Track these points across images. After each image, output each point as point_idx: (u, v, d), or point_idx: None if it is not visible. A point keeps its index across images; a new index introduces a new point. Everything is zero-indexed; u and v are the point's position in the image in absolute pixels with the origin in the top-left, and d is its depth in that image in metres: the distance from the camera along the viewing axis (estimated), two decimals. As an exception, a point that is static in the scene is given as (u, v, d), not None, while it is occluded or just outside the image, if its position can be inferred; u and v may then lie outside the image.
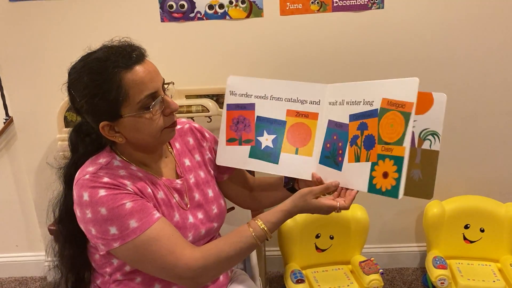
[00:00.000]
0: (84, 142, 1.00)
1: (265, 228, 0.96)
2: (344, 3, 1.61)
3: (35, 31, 1.64)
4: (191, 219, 1.02)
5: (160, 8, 1.62)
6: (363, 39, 1.64)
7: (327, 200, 0.96)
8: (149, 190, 0.96)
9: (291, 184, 1.12)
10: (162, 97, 0.93)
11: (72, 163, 0.99)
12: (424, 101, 0.98)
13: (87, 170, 0.93)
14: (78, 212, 0.92)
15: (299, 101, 1.07)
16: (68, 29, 1.64)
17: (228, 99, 1.14)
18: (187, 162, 1.09)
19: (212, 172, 1.14)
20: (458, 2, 1.59)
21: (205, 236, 1.06)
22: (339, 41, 1.65)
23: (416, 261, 1.97)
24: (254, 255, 1.36)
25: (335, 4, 1.61)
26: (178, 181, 1.03)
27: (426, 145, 0.98)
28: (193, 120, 1.64)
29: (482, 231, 1.74)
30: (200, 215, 1.05)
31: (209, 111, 1.59)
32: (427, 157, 0.97)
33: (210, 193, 1.09)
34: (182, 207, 1.02)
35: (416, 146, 0.98)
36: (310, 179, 1.04)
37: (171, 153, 1.08)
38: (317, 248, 1.76)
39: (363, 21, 1.62)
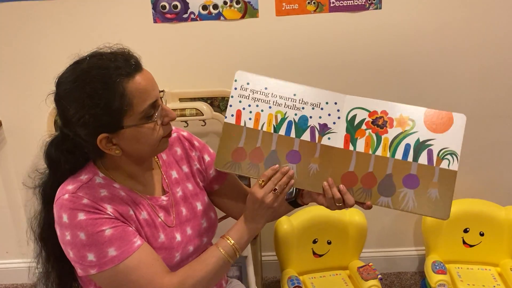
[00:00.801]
0: (67, 160, 0.91)
1: (236, 246, 0.94)
2: (341, 3, 1.57)
3: (25, 33, 1.59)
4: (178, 237, 0.97)
5: (152, 8, 1.58)
6: (361, 40, 1.61)
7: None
8: (131, 212, 0.91)
9: (293, 197, 1.05)
10: (161, 106, 0.89)
11: (52, 182, 0.93)
12: (444, 121, 0.98)
13: (66, 188, 0.88)
14: (58, 231, 0.88)
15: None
16: (58, 31, 1.59)
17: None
18: (174, 174, 1.03)
19: (200, 183, 1.08)
20: (456, 3, 1.56)
21: (194, 253, 1.01)
22: (336, 42, 1.62)
23: (414, 265, 1.94)
24: (250, 263, 1.33)
25: (331, 5, 1.57)
26: (164, 197, 0.99)
27: (444, 165, 0.96)
28: (187, 124, 1.61)
29: (482, 235, 1.71)
30: (189, 231, 1.00)
31: (203, 115, 1.55)
32: (445, 177, 0.96)
33: (199, 206, 1.04)
34: (168, 225, 0.97)
35: (435, 164, 0.97)
36: (321, 192, 0.99)
37: (157, 164, 1.03)
38: (314, 253, 1.72)
39: (361, 21, 1.59)
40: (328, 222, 1.69)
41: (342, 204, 0.97)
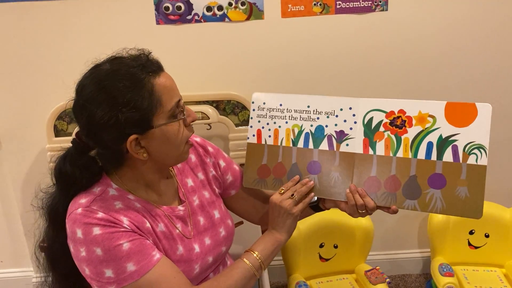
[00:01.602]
0: (83, 176, 0.86)
1: (259, 256, 0.93)
2: (347, 5, 1.55)
3: (22, 36, 1.53)
4: (197, 248, 0.94)
5: (155, 10, 1.54)
6: (367, 42, 1.60)
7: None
8: (148, 224, 0.87)
9: (315, 202, 1.04)
10: (184, 105, 0.87)
11: (64, 201, 0.87)
12: (467, 113, 0.92)
13: (79, 202, 0.84)
14: (71, 248, 0.84)
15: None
16: (57, 32, 1.53)
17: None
18: (189, 182, 1.00)
19: (216, 190, 1.05)
20: (463, 4, 1.56)
21: (213, 263, 0.98)
22: (342, 44, 1.60)
23: (418, 267, 1.94)
24: (266, 277, 1.31)
25: (338, 6, 1.56)
26: (180, 207, 0.95)
27: (472, 160, 0.91)
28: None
29: (487, 236, 1.72)
30: (207, 241, 0.97)
31: (209, 118, 1.51)
32: (474, 173, 0.90)
33: (217, 214, 1.01)
34: (186, 236, 0.94)
35: (461, 161, 0.91)
36: (344, 199, 0.98)
37: (172, 173, 1.00)
38: (321, 257, 1.70)
39: (367, 23, 1.58)
40: (334, 226, 1.67)
41: (365, 210, 0.96)
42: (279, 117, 1.05)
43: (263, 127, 1.07)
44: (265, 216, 1.14)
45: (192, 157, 1.03)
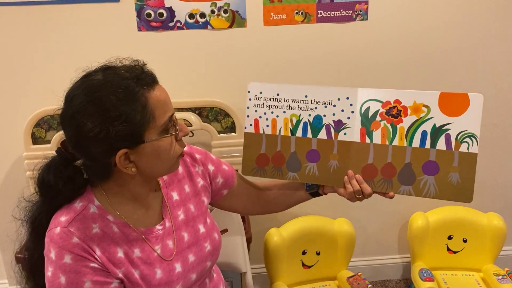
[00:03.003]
0: (67, 188, 0.84)
1: None
2: (328, 14, 1.58)
3: (0, 40, 1.50)
4: (178, 268, 0.91)
5: (137, 16, 1.53)
6: (348, 50, 1.62)
7: None
8: (120, 254, 0.85)
9: (315, 188, 1.08)
10: (177, 120, 0.85)
11: (46, 213, 0.85)
12: (460, 103, 0.97)
13: (59, 220, 0.82)
14: (45, 259, 0.82)
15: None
16: (37, 39, 1.50)
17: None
18: (175, 196, 0.97)
19: (206, 201, 1.03)
20: (441, 14, 1.61)
21: (196, 281, 0.96)
22: (324, 53, 1.62)
23: (399, 273, 1.96)
24: (249, 278, 1.30)
25: (319, 15, 1.58)
26: (158, 226, 0.92)
27: (463, 148, 0.96)
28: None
29: (465, 241, 1.75)
30: (191, 258, 0.94)
31: (192, 126, 1.50)
32: (465, 160, 0.96)
33: (202, 228, 0.98)
34: (166, 258, 0.90)
35: (453, 149, 0.97)
36: (343, 186, 1.02)
37: (158, 184, 0.97)
38: (303, 264, 1.71)
39: (348, 32, 1.60)
40: (317, 232, 1.68)
41: (362, 195, 1.00)
42: (276, 107, 1.07)
43: (260, 117, 1.08)
44: (265, 205, 1.14)
45: (180, 168, 1.00)
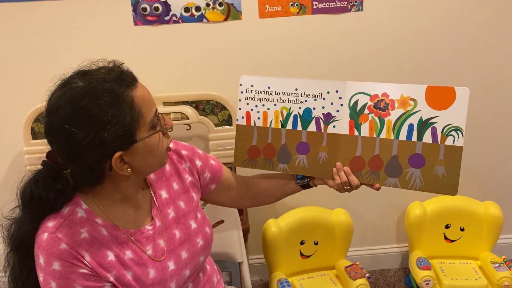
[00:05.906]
0: (58, 201, 0.82)
1: None
2: (323, 5, 1.58)
3: (-4, 36, 1.52)
4: (171, 266, 0.92)
5: (132, 11, 1.54)
6: (343, 42, 1.63)
7: None
8: (111, 257, 0.85)
9: (306, 180, 1.09)
10: (162, 115, 0.87)
11: (33, 228, 0.83)
12: (446, 96, 0.97)
13: (47, 225, 0.81)
14: (36, 264, 0.83)
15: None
16: (33, 34, 1.52)
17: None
18: (164, 194, 0.97)
19: (195, 197, 1.03)
20: (436, 5, 1.60)
21: (190, 276, 0.97)
22: (319, 44, 1.62)
23: (397, 262, 1.98)
24: (246, 269, 1.31)
25: (314, 7, 1.58)
26: (148, 226, 0.92)
27: (449, 141, 0.97)
28: (171, 129, 1.57)
29: (462, 230, 1.77)
30: (184, 254, 0.95)
31: (188, 119, 1.52)
32: (451, 153, 0.96)
33: (193, 224, 0.99)
34: (158, 258, 0.91)
35: (439, 142, 0.97)
36: (331, 178, 1.04)
37: (146, 183, 0.97)
38: (302, 254, 1.73)
39: (343, 23, 1.61)
40: (315, 223, 1.70)
41: (349, 187, 1.02)
42: (267, 100, 1.09)
43: (251, 109, 1.10)
44: (255, 198, 1.15)
45: (166, 166, 1.01)
